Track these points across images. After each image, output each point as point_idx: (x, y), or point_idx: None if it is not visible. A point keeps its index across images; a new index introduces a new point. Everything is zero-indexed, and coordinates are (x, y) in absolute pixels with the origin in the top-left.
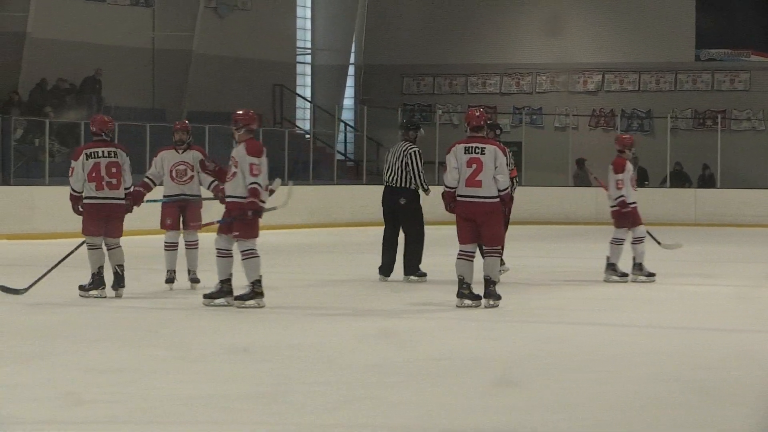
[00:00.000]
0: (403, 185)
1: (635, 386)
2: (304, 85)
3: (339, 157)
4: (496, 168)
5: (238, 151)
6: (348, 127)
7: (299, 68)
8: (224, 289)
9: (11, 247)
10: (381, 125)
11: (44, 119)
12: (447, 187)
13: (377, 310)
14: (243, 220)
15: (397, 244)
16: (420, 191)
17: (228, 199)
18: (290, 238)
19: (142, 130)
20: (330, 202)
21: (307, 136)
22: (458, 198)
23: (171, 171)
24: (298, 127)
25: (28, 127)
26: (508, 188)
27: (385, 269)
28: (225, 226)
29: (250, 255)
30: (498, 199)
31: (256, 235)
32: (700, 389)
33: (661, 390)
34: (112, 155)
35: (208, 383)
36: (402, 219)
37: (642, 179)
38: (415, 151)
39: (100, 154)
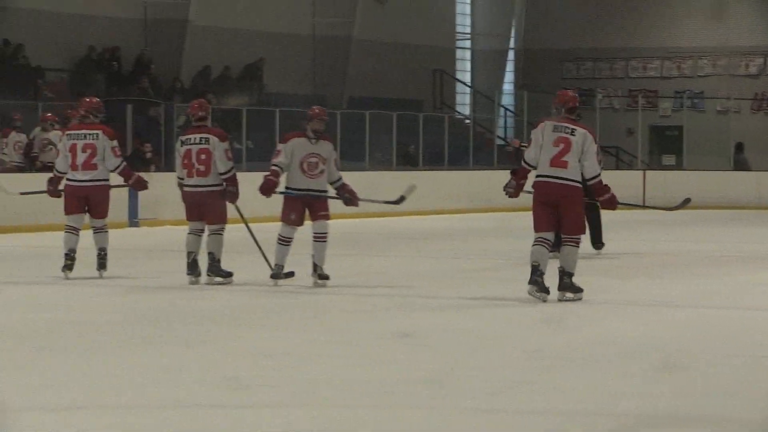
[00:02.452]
0: None
1: None
2: (464, 70)
3: (499, 142)
4: (583, 153)
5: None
6: (508, 112)
7: (459, 53)
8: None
9: (176, 232)
10: (541, 110)
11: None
12: (526, 163)
13: (549, 297)
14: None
15: None
16: None
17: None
18: (451, 223)
19: (303, 116)
20: (490, 187)
21: (467, 121)
22: (537, 179)
23: (302, 163)
24: (458, 112)
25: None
26: (597, 177)
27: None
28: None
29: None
30: (579, 185)
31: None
32: None
33: None
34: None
35: (369, 367)
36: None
37: None
38: None
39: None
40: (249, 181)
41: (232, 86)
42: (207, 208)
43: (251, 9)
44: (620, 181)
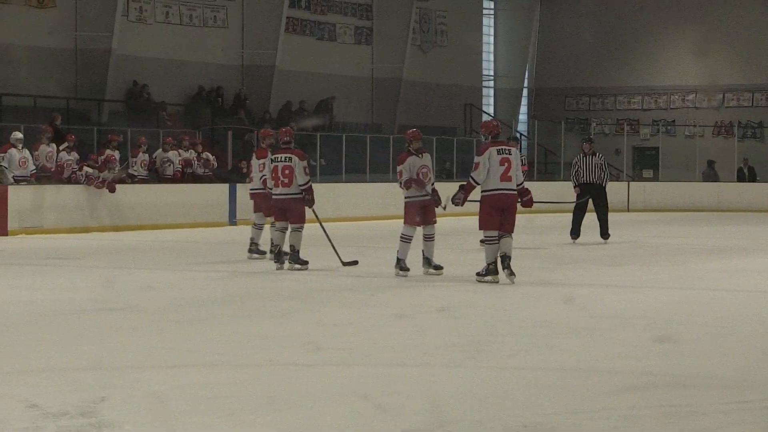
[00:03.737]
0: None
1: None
2: (488, 104)
3: None
4: (516, 167)
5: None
6: (522, 137)
7: (484, 91)
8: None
9: (264, 230)
10: (548, 135)
11: None
12: (475, 182)
13: (558, 280)
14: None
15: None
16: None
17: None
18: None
19: (364, 140)
20: None
21: None
22: (488, 192)
23: (418, 174)
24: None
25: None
26: (523, 182)
27: (577, 233)
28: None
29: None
30: (517, 192)
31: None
32: None
33: None
34: (287, 160)
35: (415, 335)
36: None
37: (752, 176)
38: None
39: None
40: (322, 190)
41: (309, 117)
42: (290, 211)
43: (325, 56)
44: (609, 190)
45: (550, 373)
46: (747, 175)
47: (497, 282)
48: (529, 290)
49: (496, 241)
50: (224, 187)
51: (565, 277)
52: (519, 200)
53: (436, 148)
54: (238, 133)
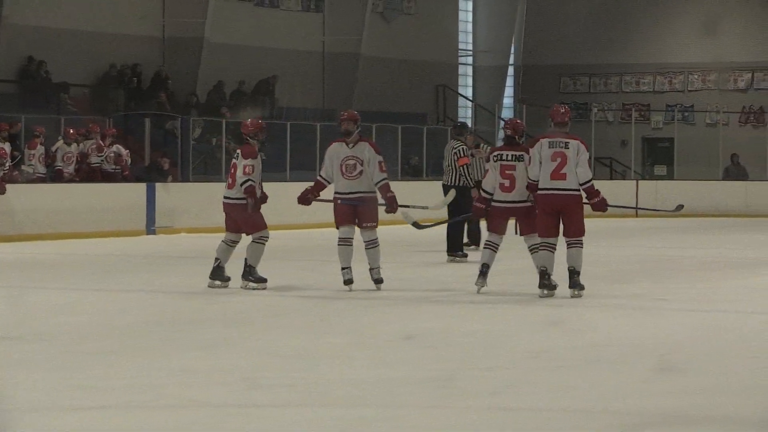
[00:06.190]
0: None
1: None
2: (466, 85)
3: None
4: (577, 162)
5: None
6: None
7: (461, 69)
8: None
9: (191, 240)
10: (539, 123)
11: (221, 119)
12: (530, 179)
13: (540, 299)
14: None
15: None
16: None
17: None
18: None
19: (313, 129)
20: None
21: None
22: (540, 191)
23: (341, 167)
24: None
25: (206, 126)
26: (589, 182)
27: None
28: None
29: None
30: (578, 192)
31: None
32: None
33: None
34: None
35: (378, 368)
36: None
37: None
38: (460, 149)
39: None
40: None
41: (246, 101)
42: (240, 220)
43: (264, 27)
44: (614, 191)
45: (541, 414)
46: None
47: (548, 296)
48: (515, 313)
49: (548, 249)
50: (141, 188)
51: (560, 297)
52: (588, 202)
53: (401, 139)
54: (158, 120)
